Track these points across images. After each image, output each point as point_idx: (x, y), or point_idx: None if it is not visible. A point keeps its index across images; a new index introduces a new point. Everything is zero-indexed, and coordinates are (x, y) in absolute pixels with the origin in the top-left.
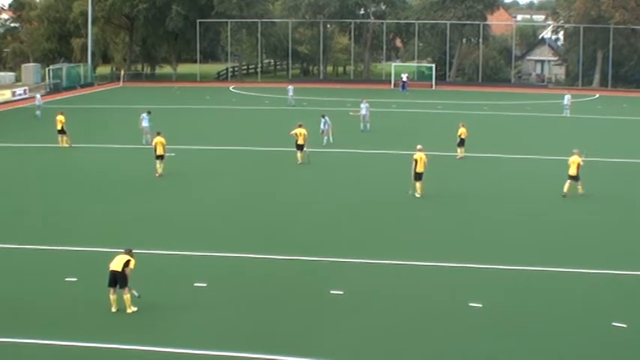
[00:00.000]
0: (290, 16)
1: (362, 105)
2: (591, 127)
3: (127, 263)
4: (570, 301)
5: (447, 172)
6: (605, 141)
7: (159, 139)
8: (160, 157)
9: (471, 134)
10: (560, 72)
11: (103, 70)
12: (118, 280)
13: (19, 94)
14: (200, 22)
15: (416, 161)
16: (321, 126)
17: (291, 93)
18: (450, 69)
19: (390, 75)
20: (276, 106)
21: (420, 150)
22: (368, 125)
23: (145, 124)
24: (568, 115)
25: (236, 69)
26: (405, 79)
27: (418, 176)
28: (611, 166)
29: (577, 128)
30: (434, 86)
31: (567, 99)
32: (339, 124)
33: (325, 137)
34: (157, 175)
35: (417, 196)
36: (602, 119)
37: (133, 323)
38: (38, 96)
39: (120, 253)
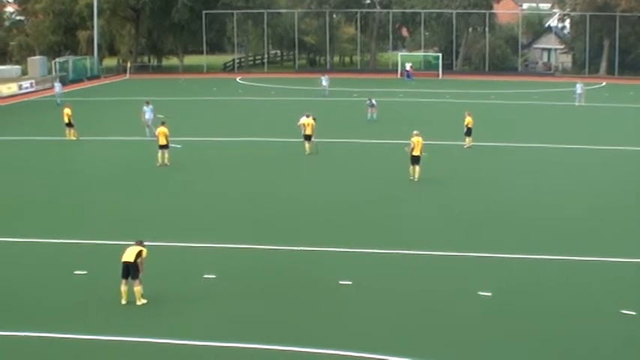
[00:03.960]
0: (296, 7)
1: (367, 102)
2: (599, 115)
3: (139, 254)
4: (579, 288)
5: (455, 161)
6: (614, 129)
7: (161, 130)
8: (164, 147)
9: (478, 123)
10: (566, 60)
11: (110, 62)
12: (131, 270)
13: (26, 87)
14: (206, 14)
15: (413, 145)
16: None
17: (324, 83)
18: (456, 58)
19: (396, 64)
20: (284, 96)
21: (416, 135)
22: (375, 115)
23: (147, 115)
24: (583, 104)
25: (242, 60)
26: (408, 68)
27: (415, 159)
28: (621, 154)
29: (584, 116)
30: (440, 75)
31: (580, 87)
32: (345, 114)
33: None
34: (158, 164)
35: (413, 179)
36: (609, 107)
37: (142, 315)
38: (57, 85)
39: (130, 245)
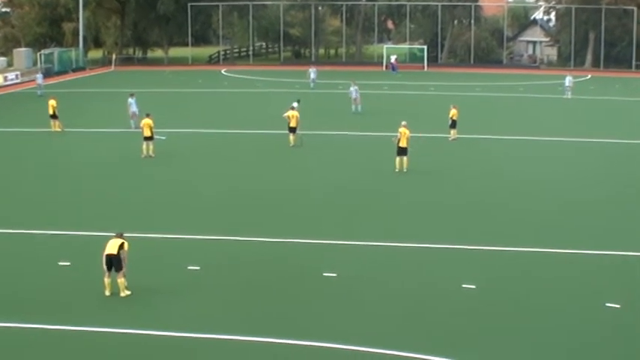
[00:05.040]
0: None
1: (351, 88)
2: (585, 108)
3: (121, 246)
4: (564, 282)
5: (440, 154)
6: (601, 122)
7: (146, 121)
8: (149, 139)
9: (463, 116)
10: (552, 53)
11: (95, 54)
12: (114, 263)
13: (11, 79)
14: (191, 6)
15: (400, 135)
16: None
17: (313, 75)
18: (441, 50)
19: (382, 57)
20: (269, 88)
21: (404, 126)
22: (359, 107)
23: (133, 108)
24: (570, 97)
25: (228, 52)
26: (393, 60)
27: (402, 151)
28: (608, 147)
29: (570, 109)
30: (426, 68)
31: (569, 80)
32: (330, 106)
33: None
34: (142, 156)
35: (398, 171)
36: (595, 100)
37: (126, 307)
38: (39, 76)
39: (112, 237)
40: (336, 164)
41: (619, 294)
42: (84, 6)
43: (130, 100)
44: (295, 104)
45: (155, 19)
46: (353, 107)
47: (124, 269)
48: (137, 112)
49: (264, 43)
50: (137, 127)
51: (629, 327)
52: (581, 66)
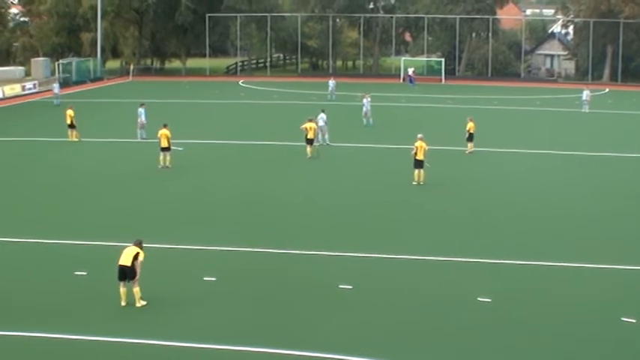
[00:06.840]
0: (299, 10)
1: (364, 100)
2: (602, 122)
3: (136, 256)
4: (579, 296)
5: (456, 167)
6: (618, 136)
7: (163, 132)
8: (166, 150)
9: (480, 129)
10: (569, 66)
11: (113, 64)
12: (127, 273)
13: (29, 89)
14: (209, 17)
15: (416, 149)
16: (320, 122)
17: (331, 87)
18: (459, 63)
19: (399, 69)
20: (286, 100)
21: (420, 139)
22: (370, 120)
23: (142, 118)
24: (587, 111)
25: (245, 63)
26: (410, 73)
27: (419, 164)
28: (625, 161)
29: (587, 123)
30: (443, 80)
31: (586, 94)
32: (348, 118)
33: (320, 136)
34: (159, 166)
35: (416, 183)
36: (613, 114)
37: (142, 317)
38: (56, 85)
39: (128, 246)
40: (354, 176)
41: (635, 308)
42: (102, 16)
43: (140, 109)
44: (322, 115)
45: (173, 29)
46: (364, 121)
47: (137, 278)
48: (145, 123)
49: (281, 55)
50: (143, 137)
51: None
52: (599, 80)
